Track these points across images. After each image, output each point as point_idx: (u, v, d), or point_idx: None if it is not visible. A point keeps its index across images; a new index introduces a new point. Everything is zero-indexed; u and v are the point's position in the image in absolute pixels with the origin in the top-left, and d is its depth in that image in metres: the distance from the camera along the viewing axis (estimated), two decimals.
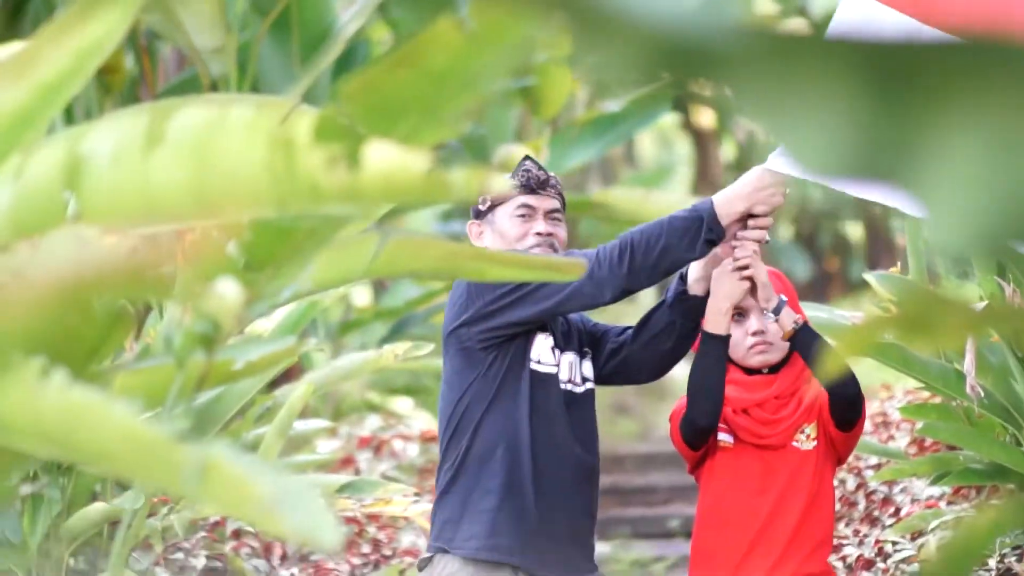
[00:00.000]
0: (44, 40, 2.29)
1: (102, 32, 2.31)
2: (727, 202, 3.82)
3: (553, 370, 3.96)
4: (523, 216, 3.99)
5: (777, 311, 3.96)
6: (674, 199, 11.31)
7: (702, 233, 3.78)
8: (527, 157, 4.10)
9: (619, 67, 1.09)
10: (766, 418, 4.03)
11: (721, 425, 4.05)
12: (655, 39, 1.04)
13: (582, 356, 4.03)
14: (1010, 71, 1.12)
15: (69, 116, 8.98)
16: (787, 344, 4.04)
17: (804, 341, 3.98)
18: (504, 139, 11.63)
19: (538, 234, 3.98)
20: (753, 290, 3.96)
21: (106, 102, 9.28)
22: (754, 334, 4.04)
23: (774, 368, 4.07)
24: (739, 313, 4.04)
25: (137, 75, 9.91)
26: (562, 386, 3.96)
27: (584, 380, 4.02)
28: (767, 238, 3.91)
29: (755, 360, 4.05)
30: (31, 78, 2.33)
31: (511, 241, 3.98)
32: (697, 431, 4.01)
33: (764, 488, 4.02)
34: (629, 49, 1.05)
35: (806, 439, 4.03)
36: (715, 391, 3.98)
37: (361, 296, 12.69)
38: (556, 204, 4.02)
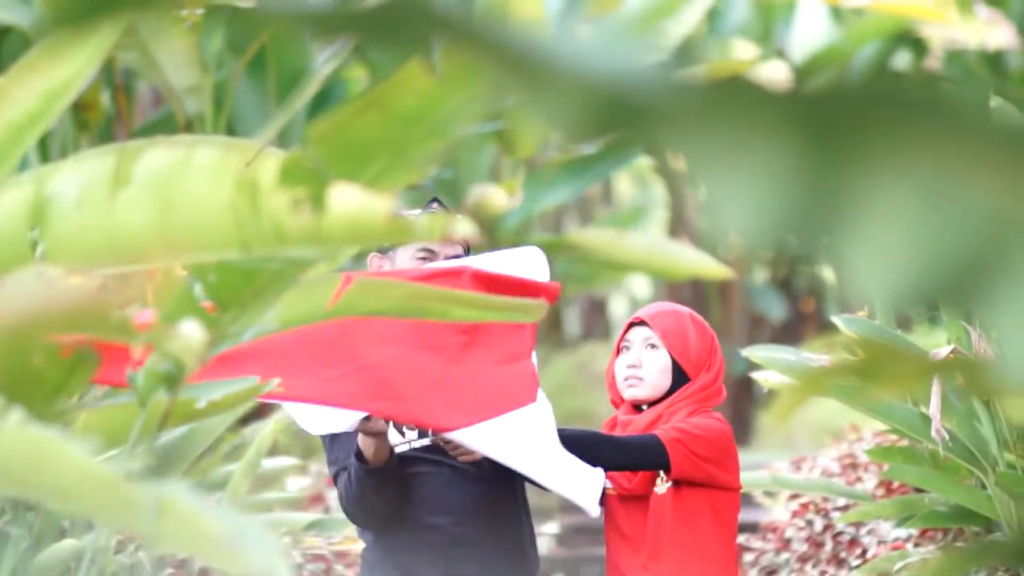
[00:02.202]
0: (10, 81, 2.32)
1: (69, 74, 2.33)
2: (366, 448, 3.80)
3: (399, 444, 3.92)
4: (423, 259, 3.89)
5: None
6: (647, 240, 11.29)
7: (375, 479, 3.82)
8: (434, 199, 3.97)
9: (560, 121, 1.12)
10: None
11: (610, 474, 3.93)
12: (590, 93, 1.07)
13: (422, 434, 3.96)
14: (938, 125, 1.15)
15: (44, 153, 9.00)
16: (664, 384, 3.97)
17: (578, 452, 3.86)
18: (478, 179, 11.64)
19: None
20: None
21: (82, 139, 9.29)
22: (629, 367, 3.99)
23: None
24: (626, 347, 4.04)
25: (113, 112, 9.94)
26: (399, 449, 3.92)
27: (422, 435, 3.93)
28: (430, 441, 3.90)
29: (626, 393, 3.97)
30: None
31: None
32: None
33: (636, 537, 3.92)
34: (566, 103, 1.08)
35: (662, 482, 3.90)
36: None
37: None
38: (458, 250, 3.91)
